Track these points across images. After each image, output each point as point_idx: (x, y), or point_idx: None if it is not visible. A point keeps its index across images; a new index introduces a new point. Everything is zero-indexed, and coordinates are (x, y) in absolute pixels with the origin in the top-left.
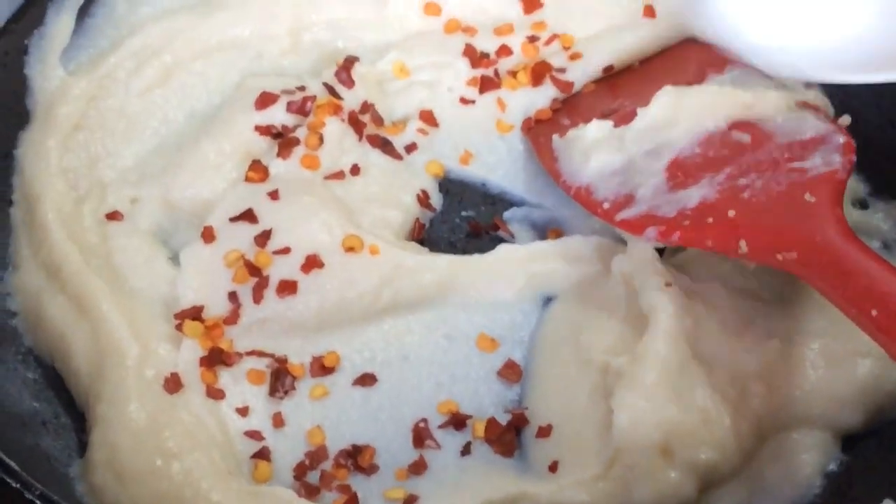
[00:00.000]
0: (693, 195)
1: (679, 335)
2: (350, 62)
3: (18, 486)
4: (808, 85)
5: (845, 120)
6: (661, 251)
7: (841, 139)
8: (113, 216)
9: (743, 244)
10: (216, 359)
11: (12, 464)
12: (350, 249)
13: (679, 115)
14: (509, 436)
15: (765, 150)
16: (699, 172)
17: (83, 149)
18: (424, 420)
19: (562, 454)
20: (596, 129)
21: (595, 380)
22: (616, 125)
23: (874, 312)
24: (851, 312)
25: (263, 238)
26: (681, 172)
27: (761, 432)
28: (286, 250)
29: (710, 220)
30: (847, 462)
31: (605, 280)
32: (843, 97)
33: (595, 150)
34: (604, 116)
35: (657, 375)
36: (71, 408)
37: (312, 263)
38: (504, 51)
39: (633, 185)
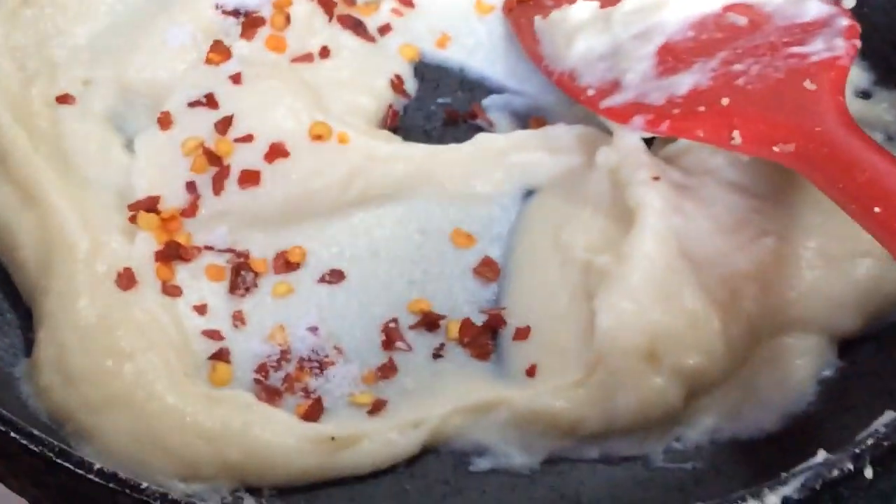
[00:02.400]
0: (684, 82)
1: (667, 233)
2: None
3: None
4: None
5: (849, 2)
6: (649, 142)
7: (844, 22)
8: (64, 99)
9: (737, 135)
10: (173, 253)
11: None
12: (317, 137)
13: None
14: (485, 338)
15: (762, 33)
16: (691, 57)
17: (31, 26)
18: (395, 320)
19: (540, 358)
20: (581, 11)
21: (577, 279)
22: (602, 6)
23: (877, 209)
24: (851, 209)
25: (224, 125)
26: (671, 57)
27: (753, 336)
28: (249, 138)
29: (702, 108)
30: (843, 368)
31: (589, 172)
32: None
33: (580, 32)
34: None
35: (643, 276)
36: (17, 302)
37: (277, 152)
38: None
39: (619, 70)
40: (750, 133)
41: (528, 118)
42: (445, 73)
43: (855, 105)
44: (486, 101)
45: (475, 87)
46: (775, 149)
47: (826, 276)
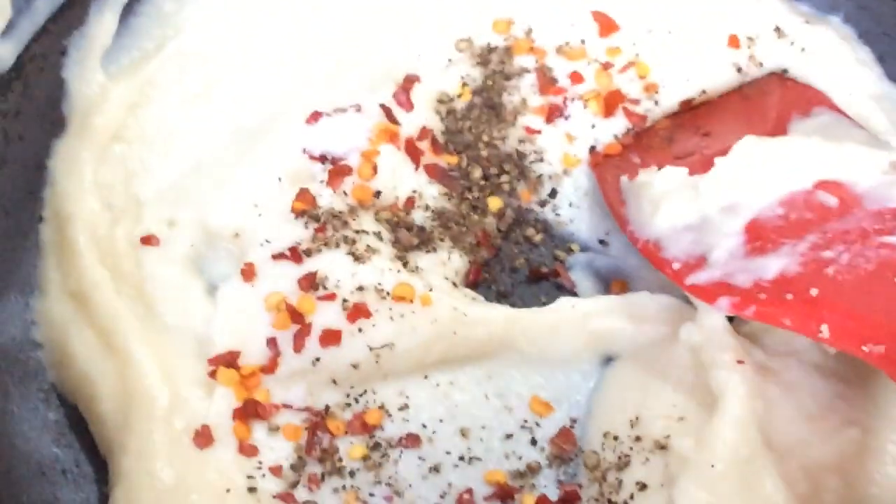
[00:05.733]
0: (772, 265)
1: (750, 421)
2: (410, 82)
3: None
4: None
5: None
6: (730, 315)
7: None
8: (148, 240)
9: (825, 328)
10: (251, 412)
11: None
12: (400, 299)
13: (760, 169)
14: None
15: (853, 217)
16: (780, 238)
17: (120, 163)
18: (469, 491)
19: None
20: (669, 177)
21: (655, 460)
22: (691, 173)
23: None
24: None
25: (308, 281)
26: (760, 236)
27: None
28: (332, 296)
29: (790, 296)
30: None
31: (671, 346)
32: None
33: (666, 200)
34: (678, 159)
35: (724, 466)
36: (93, 454)
37: (359, 312)
38: (576, 78)
39: (706, 245)
40: (838, 328)
41: (611, 280)
42: (530, 227)
43: None
44: (570, 260)
45: (558, 243)
46: (864, 348)
47: None
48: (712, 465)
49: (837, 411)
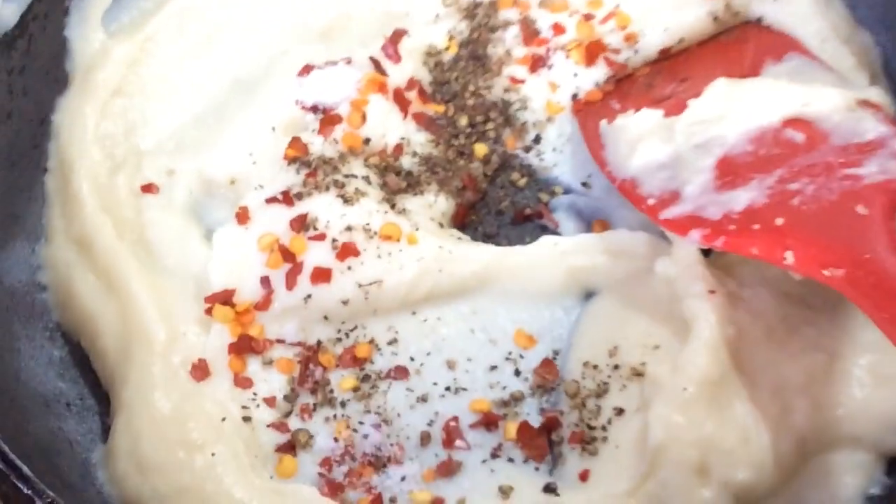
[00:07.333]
0: (741, 198)
1: (720, 347)
2: (398, 35)
3: (30, 492)
4: (873, 81)
5: None
6: (706, 249)
7: None
8: (148, 188)
9: (789, 255)
10: (245, 346)
11: (25, 469)
12: (387, 238)
13: (731, 108)
14: (541, 440)
15: (819, 152)
16: (749, 172)
17: (121, 116)
18: (455, 419)
19: (594, 464)
20: (644, 119)
21: (632, 387)
22: (666, 115)
23: None
24: None
25: (299, 222)
26: (730, 171)
27: (802, 452)
28: (321, 236)
29: (757, 226)
30: (890, 486)
31: (648, 278)
32: None
33: (642, 140)
34: (655, 103)
35: (696, 390)
36: (96, 388)
37: (348, 251)
38: (558, 29)
39: (680, 181)
40: (802, 255)
41: (593, 220)
42: (514, 171)
43: None
44: (554, 202)
45: (542, 187)
46: (825, 272)
47: (876, 394)
48: (684, 389)
49: (806, 336)
